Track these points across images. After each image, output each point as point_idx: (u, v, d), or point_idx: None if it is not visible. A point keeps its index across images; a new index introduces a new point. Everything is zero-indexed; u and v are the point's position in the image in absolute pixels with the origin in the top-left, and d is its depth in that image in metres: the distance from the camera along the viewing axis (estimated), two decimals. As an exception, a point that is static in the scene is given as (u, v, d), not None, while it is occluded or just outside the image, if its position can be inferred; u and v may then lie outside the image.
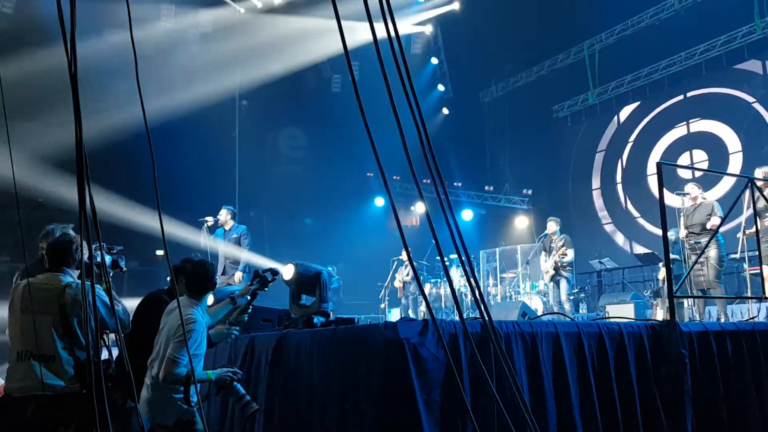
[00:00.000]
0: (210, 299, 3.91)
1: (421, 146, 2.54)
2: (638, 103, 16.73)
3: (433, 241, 2.58)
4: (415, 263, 13.31)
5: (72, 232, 3.82)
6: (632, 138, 16.78)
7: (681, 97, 15.80)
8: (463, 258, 2.45)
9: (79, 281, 3.62)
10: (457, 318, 3.89)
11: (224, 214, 9.27)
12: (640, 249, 14.46)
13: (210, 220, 9.12)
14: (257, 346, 4.44)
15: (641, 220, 16.12)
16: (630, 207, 16.60)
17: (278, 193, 15.83)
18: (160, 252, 13.95)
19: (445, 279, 14.41)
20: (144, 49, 15.04)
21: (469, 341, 3.43)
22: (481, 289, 14.76)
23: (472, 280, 2.41)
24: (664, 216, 4.54)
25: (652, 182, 15.25)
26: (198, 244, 9.37)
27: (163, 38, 15.18)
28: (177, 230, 11.69)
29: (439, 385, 3.33)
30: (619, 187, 16.97)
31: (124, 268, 4.51)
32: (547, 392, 3.82)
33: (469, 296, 14.54)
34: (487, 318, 2.41)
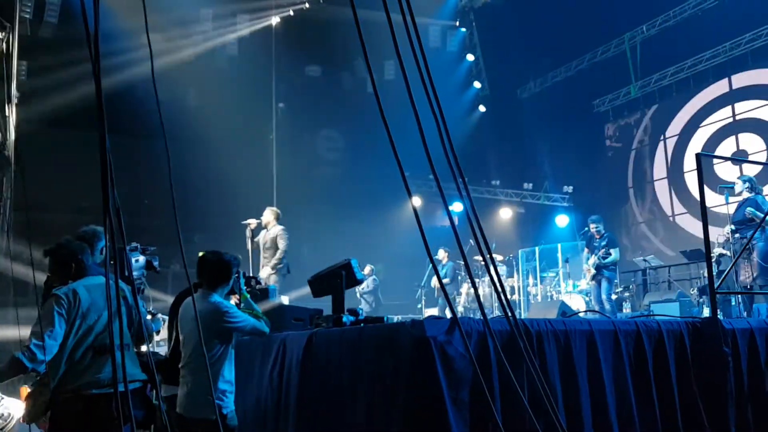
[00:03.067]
0: (233, 299, 3.95)
1: (442, 144, 2.50)
2: (682, 94, 16.25)
3: (471, 241, 2.53)
4: (452, 263, 13.27)
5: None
6: (677, 131, 16.30)
7: (726, 89, 15.29)
8: (485, 252, 2.39)
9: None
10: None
11: (267, 215, 9.23)
12: (685, 246, 14.04)
13: (253, 222, 9.03)
14: (288, 344, 4.45)
15: (688, 216, 15.67)
16: (676, 202, 16.17)
17: (316, 194, 15.90)
18: (201, 253, 14.17)
19: (484, 278, 14.35)
20: (183, 54, 15.34)
21: (494, 338, 3.35)
22: (520, 288, 14.59)
23: (494, 275, 2.35)
24: (705, 208, 4.38)
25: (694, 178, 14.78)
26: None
27: (201, 44, 15.46)
28: (219, 234, 11.88)
29: (468, 384, 3.27)
30: (665, 182, 16.51)
31: (158, 269, 4.59)
32: (581, 391, 3.72)
33: (509, 296, 14.40)
34: (510, 314, 2.35)
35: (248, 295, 3.98)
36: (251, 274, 7.63)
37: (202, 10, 15.40)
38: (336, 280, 4.46)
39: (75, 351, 3.23)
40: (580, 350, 3.82)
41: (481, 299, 14.39)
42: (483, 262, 14.41)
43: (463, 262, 14.12)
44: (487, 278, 14.29)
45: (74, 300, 3.23)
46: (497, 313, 13.78)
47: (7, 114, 11.03)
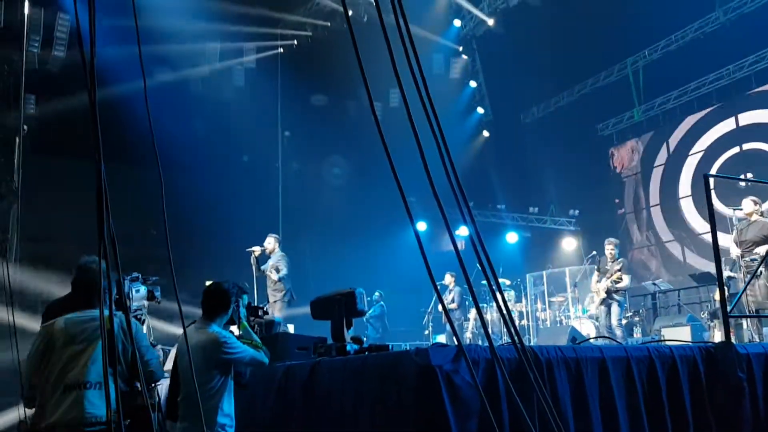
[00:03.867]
0: (234, 330, 3.88)
1: (445, 170, 2.47)
2: (686, 118, 16.25)
3: (478, 266, 2.50)
4: (459, 288, 13.16)
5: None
6: (688, 153, 16.26)
7: (733, 126, 15.27)
8: (490, 278, 2.33)
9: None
10: (503, 343, 3.73)
11: (271, 242, 9.25)
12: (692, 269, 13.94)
13: (257, 249, 9.08)
14: (291, 374, 4.36)
15: (675, 244, 15.56)
16: (664, 228, 16.20)
17: (322, 221, 15.89)
18: (208, 283, 14.11)
19: (492, 303, 14.20)
20: (193, 85, 15.49)
21: (501, 367, 3.26)
22: (528, 313, 14.43)
23: (501, 301, 2.29)
24: (715, 232, 4.30)
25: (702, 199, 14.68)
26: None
27: (209, 75, 15.62)
28: (225, 263, 11.83)
29: (476, 414, 3.18)
30: (677, 203, 16.44)
31: (159, 299, 4.53)
32: (593, 420, 3.62)
33: (517, 322, 14.24)
34: (519, 342, 2.28)
35: (247, 325, 3.91)
36: (257, 304, 7.58)
37: (209, 42, 15.58)
38: (334, 307, 4.37)
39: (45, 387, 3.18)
40: (592, 378, 3.72)
41: (489, 325, 14.26)
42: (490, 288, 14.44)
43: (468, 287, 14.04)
44: (494, 303, 14.14)
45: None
46: (506, 339, 13.62)
47: (15, 147, 11.14)
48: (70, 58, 13.72)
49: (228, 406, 3.59)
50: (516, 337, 2.26)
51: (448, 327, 13.00)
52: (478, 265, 2.34)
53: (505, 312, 2.28)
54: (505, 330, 12.00)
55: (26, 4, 11.17)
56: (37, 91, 13.06)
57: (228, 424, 3.58)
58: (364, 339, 4.32)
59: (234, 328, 3.88)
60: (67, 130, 12.46)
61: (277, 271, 9.11)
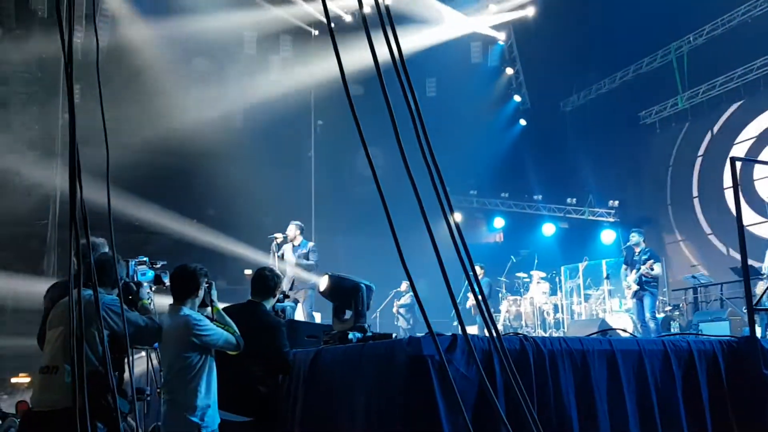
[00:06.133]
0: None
1: (423, 157, 2.35)
2: (736, 105, 15.57)
3: (512, 257, 2.37)
4: (488, 279, 12.96)
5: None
6: (733, 141, 15.61)
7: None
8: (467, 267, 2.21)
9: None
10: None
11: (293, 230, 9.23)
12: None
13: (279, 236, 9.09)
14: (296, 362, 4.31)
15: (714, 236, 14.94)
16: (702, 220, 15.61)
17: (355, 212, 15.83)
18: (248, 271, 14.25)
19: (525, 295, 13.95)
20: (228, 75, 15.64)
21: (508, 358, 3.12)
22: (563, 306, 14.12)
23: (477, 289, 2.16)
24: (740, 217, 4.05)
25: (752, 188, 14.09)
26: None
27: (246, 64, 15.73)
28: (255, 252, 11.90)
29: (471, 407, 3.04)
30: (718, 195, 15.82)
31: (167, 283, 4.51)
32: (600, 417, 3.45)
33: (552, 315, 13.94)
34: (494, 332, 2.14)
35: (220, 308, 3.86)
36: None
37: (246, 32, 15.68)
38: (338, 293, 4.28)
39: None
40: (600, 372, 3.55)
41: (523, 317, 14.00)
42: (526, 279, 14.21)
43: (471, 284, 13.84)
44: (529, 295, 13.91)
45: None
46: (540, 333, 13.36)
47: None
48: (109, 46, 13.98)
49: (207, 388, 3.54)
50: (492, 327, 2.12)
51: (477, 319, 12.81)
52: (513, 257, 2.21)
53: (481, 299, 2.15)
54: (538, 323, 11.73)
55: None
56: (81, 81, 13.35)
57: (208, 406, 3.50)
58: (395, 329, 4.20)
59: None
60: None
61: (307, 259, 9.09)
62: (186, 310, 3.58)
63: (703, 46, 15.71)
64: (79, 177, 2.06)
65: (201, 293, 3.71)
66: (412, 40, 14.77)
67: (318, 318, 9.22)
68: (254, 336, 3.87)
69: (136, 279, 4.20)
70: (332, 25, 2.12)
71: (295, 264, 9.00)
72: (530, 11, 16.60)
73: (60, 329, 3.19)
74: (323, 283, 4.40)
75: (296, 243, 9.12)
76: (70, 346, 2.35)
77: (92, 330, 3.14)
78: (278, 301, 4.73)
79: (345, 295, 4.25)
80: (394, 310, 13.73)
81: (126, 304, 3.80)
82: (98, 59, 2.46)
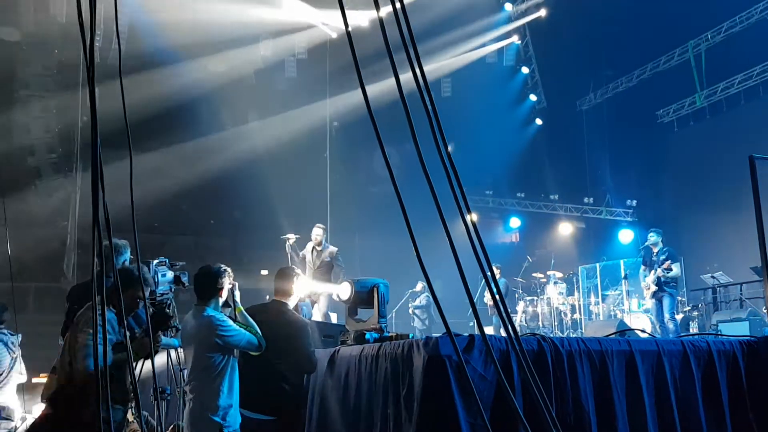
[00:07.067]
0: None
1: (438, 153, 2.35)
2: (751, 103, 15.39)
3: (528, 258, 2.36)
4: (505, 279, 12.90)
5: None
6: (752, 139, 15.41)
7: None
8: (485, 268, 2.21)
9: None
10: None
11: (320, 234, 9.11)
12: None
13: (292, 237, 8.96)
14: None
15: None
16: (722, 219, 15.37)
17: (372, 212, 15.83)
18: (264, 272, 14.33)
19: (542, 296, 13.89)
20: (245, 77, 15.70)
21: (526, 359, 3.12)
22: (581, 306, 14.02)
23: (494, 290, 2.16)
24: (760, 216, 4.01)
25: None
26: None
27: (262, 66, 15.79)
28: (276, 252, 11.96)
29: (489, 408, 3.05)
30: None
31: (187, 284, 4.55)
32: (618, 417, 3.43)
33: (569, 315, 13.87)
34: (513, 333, 2.14)
35: (243, 309, 3.90)
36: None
37: (262, 34, 15.75)
38: (361, 296, 4.28)
39: None
40: (618, 372, 3.54)
41: (540, 318, 13.93)
42: (543, 279, 14.13)
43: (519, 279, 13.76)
44: (545, 296, 13.85)
45: None
46: (558, 333, 13.29)
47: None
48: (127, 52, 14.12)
49: (230, 389, 3.57)
50: (510, 326, 2.12)
51: (494, 319, 12.77)
52: (529, 257, 2.21)
53: (499, 300, 2.15)
54: (555, 324, 11.60)
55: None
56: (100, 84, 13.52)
57: (230, 406, 3.54)
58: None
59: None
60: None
61: (332, 266, 9.07)
62: (210, 311, 3.62)
63: (721, 43, 15.55)
64: (101, 179, 2.10)
65: (225, 294, 3.75)
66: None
67: (334, 318, 9.22)
68: (279, 335, 3.90)
69: (157, 279, 4.23)
70: (350, 29, 2.13)
71: (317, 267, 8.94)
72: (543, 12, 16.52)
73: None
74: (345, 291, 4.38)
75: (320, 248, 9.05)
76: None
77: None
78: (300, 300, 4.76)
79: (367, 297, 4.26)
80: (410, 311, 13.72)
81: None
82: (120, 63, 2.49)
